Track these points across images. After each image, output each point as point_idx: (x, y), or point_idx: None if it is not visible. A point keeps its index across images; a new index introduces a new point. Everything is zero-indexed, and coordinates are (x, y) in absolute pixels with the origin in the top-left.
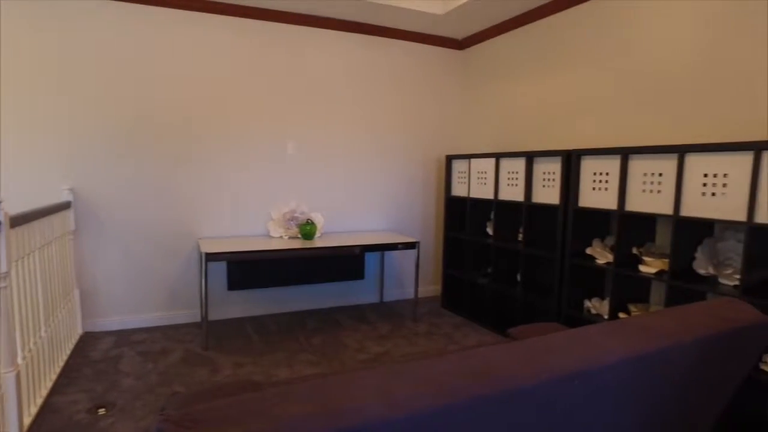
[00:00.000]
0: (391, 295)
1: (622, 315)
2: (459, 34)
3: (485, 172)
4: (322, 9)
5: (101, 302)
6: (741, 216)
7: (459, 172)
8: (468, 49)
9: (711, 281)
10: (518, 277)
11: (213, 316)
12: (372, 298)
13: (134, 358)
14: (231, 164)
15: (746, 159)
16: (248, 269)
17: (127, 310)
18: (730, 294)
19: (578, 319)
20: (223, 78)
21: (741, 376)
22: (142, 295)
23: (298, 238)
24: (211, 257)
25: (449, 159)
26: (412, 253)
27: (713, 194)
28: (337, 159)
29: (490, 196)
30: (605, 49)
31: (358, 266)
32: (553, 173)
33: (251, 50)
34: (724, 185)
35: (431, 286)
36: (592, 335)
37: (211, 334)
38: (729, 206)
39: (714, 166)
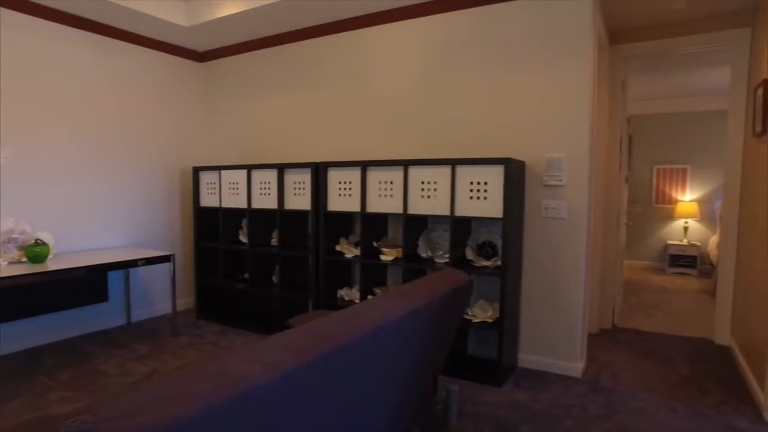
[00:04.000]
0: (140, 314)
1: (370, 297)
2: (200, 46)
3: (237, 183)
4: (55, 0)
5: None
6: (447, 212)
7: (208, 183)
8: (209, 63)
9: (430, 261)
10: (274, 279)
11: None
12: (118, 320)
13: None
14: None
15: (447, 171)
16: None
17: None
18: (442, 268)
19: (334, 306)
20: None
21: (459, 321)
22: None
23: (22, 262)
24: None
25: (196, 171)
26: (160, 268)
27: (428, 197)
28: (68, 171)
29: (243, 205)
30: (347, 76)
31: (101, 287)
32: (304, 183)
33: None
34: (435, 189)
35: (183, 300)
36: (381, 301)
37: None
38: (439, 205)
39: (428, 176)
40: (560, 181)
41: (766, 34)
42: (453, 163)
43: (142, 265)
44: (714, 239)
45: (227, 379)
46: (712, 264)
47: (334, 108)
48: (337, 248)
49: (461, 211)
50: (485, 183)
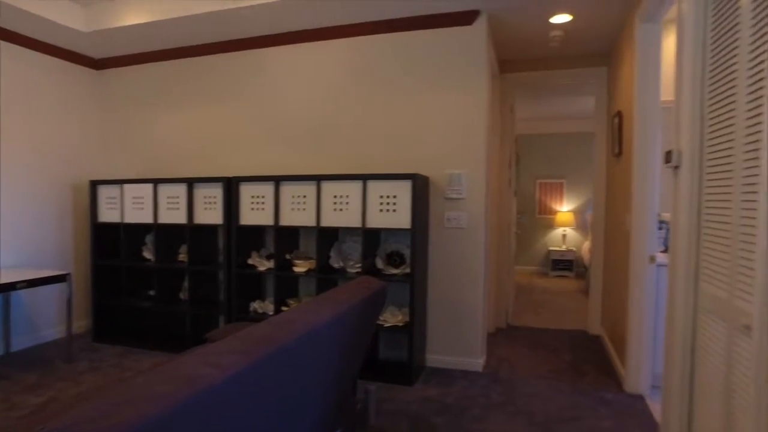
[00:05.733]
0: (22, 342)
1: (284, 308)
2: (97, 53)
3: (142, 197)
4: None
5: None
6: (358, 224)
7: (108, 198)
8: (108, 71)
9: (341, 272)
10: (182, 295)
11: None
12: None
13: None
14: None
15: (358, 185)
16: None
17: None
18: (353, 278)
19: (247, 320)
20: None
21: (375, 325)
22: None
23: None
24: None
25: (94, 184)
26: (46, 290)
27: (341, 210)
28: None
29: (149, 220)
30: (260, 93)
31: None
32: (215, 197)
33: None
34: (347, 203)
35: (74, 323)
36: (311, 306)
37: None
38: (350, 218)
39: (340, 190)
40: (460, 194)
41: (617, 73)
42: (364, 178)
43: (23, 287)
44: (586, 245)
45: (185, 381)
46: (585, 266)
47: (247, 124)
48: (250, 262)
49: (372, 223)
50: (394, 196)
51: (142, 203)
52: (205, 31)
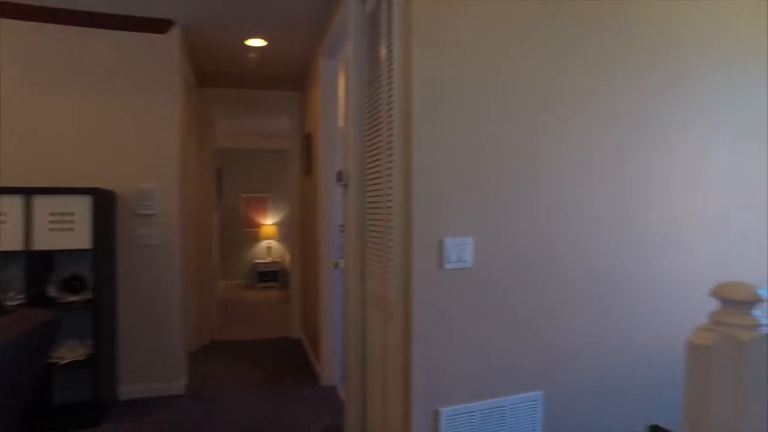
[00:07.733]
0: None
1: None
2: None
3: None
4: None
5: None
6: (20, 246)
7: None
8: None
9: None
10: None
11: None
12: None
13: None
14: None
15: (19, 200)
16: None
17: None
18: (15, 311)
19: None
20: None
21: (44, 363)
22: None
23: None
24: None
25: None
26: None
27: None
28: None
29: None
30: None
31: None
32: None
33: None
34: (4, 222)
35: None
36: None
37: None
38: (9, 239)
39: None
40: (152, 210)
41: (307, 99)
42: (28, 192)
43: None
44: (289, 256)
45: None
46: (289, 276)
47: None
48: None
49: (41, 245)
50: (71, 214)
51: None
52: None
